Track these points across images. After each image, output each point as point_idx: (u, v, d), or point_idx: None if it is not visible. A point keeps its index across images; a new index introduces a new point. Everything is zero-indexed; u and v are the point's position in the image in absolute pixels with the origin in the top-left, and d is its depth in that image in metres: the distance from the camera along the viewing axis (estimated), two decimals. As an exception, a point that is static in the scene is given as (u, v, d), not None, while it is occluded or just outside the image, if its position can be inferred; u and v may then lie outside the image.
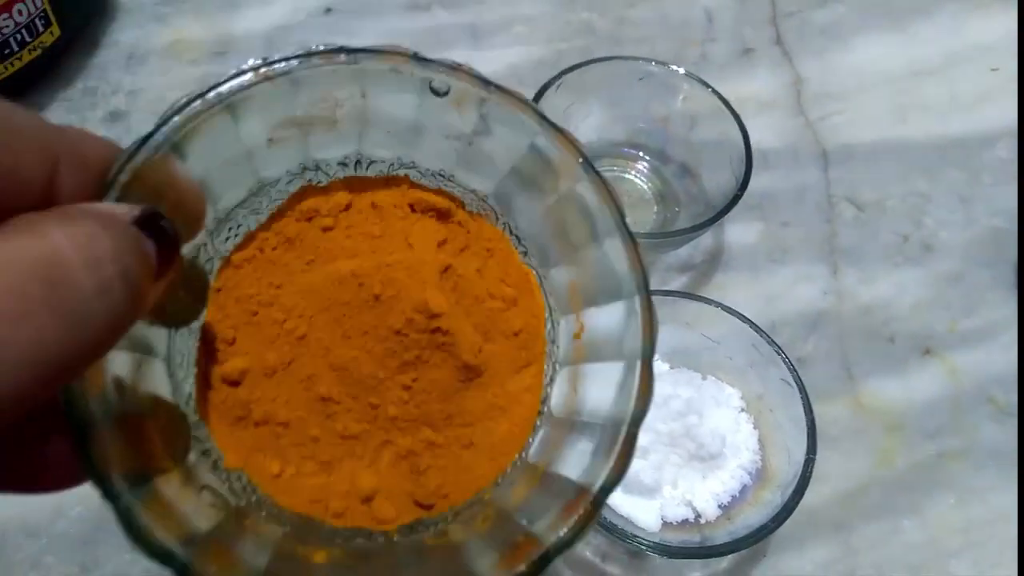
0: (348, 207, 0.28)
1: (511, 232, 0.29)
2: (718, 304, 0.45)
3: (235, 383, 0.26)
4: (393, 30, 0.66)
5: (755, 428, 0.45)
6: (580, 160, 0.26)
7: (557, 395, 0.28)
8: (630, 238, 0.26)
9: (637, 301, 0.25)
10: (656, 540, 0.40)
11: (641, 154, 0.57)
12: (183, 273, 0.24)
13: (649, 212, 0.56)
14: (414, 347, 0.26)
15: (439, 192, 0.29)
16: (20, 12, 0.54)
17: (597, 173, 0.26)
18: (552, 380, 0.28)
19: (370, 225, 0.28)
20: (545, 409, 0.28)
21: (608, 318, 0.26)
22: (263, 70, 0.24)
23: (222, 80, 0.23)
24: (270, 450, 0.26)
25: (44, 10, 0.55)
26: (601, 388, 0.26)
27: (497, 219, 0.29)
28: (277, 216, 0.28)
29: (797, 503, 0.40)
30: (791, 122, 0.62)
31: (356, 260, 0.27)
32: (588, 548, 0.45)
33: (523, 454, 0.27)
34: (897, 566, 0.45)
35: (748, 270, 0.55)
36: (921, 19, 0.69)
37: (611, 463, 0.24)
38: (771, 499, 0.41)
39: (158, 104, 0.60)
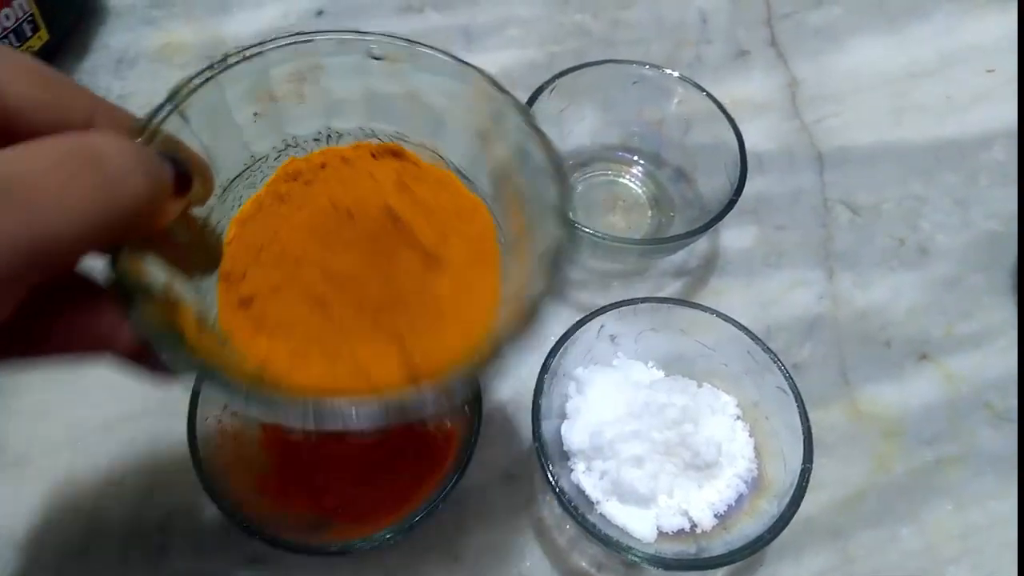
0: (324, 166, 0.34)
1: (462, 176, 0.35)
2: (713, 311, 0.45)
3: (248, 304, 0.31)
4: (385, 32, 0.65)
5: (751, 436, 0.45)
6: (489, 80, 0.33)
7: (510, 275, 0.33)
8: (535, 129, 0.32)
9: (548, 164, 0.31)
10: (651, 551, 0.39)
11: (635, 158, 0.57)
12: (201, 232, 0.31)
13: (644, 216, 0.55)
14: (385, 244, 0.32)
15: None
16: (7, 16, 0.53)
17: (505, 91, 0.33)
18: (505, 270, 0.33)
19: (342, 173, 0.34)
20: (503, 289, 0.33)
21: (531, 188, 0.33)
22: (242, 53, 0.31)
23: (211, 63, 0.30)
24: (283, 350, 0.30)
25: (32, 14, 0.55)
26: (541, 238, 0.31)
27: (447, 166, 0.35)
28: (270, 183, 0.34)
29: (794, 513, 0.39)
30: (786, 125, 0.62)
31: (333, 197, 0.34)
32: (584, 558, 0.44)
33: (489, 327, 0.32)
34: (895, 574, 0.45)
35: (743, 275, 0.54)
36: (916, 20, 0.69)
37: (548, 277, 0.29)
38: (767, 509, 0.41)
39: (149, 108, 0.59)
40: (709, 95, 0.52)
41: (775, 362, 0.43)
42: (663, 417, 0.43)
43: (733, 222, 0.55)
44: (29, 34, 0.55)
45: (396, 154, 0.35)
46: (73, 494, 0.45)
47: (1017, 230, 0.57)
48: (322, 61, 0.33)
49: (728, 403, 0.46)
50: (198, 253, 0.31)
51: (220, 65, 0.31)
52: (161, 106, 0.29)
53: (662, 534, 0.42)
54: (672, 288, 0.54)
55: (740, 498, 0.43)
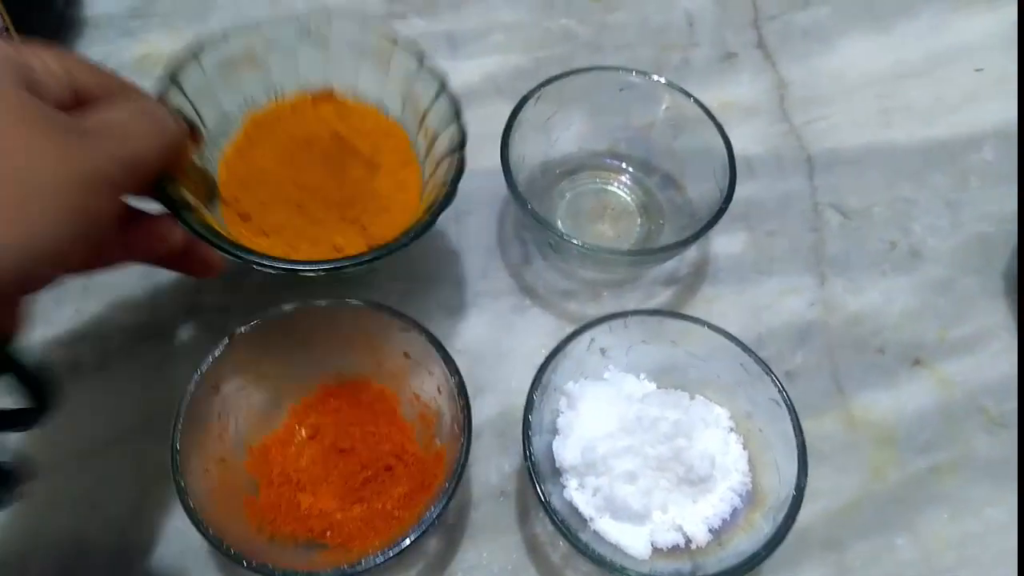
0: (279, 114, 0.48)
1: (379, 106, 0.49)
2: (704, 322, 0.44)
3: (247, 218, 0.45)
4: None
5: (744, 448, 0.44)
6: (385, 34, 0.47)
7: (427, 170, 0.47)
8: (422, 62, 0.47)
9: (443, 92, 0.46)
10: (646, 570, 0.39)
11: (624, 165, 0.56)
12: (203, 172, 0.44)
13: (633, 224, 0.55)
14: (337, 159, 0.46)
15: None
16: (-19, 31, 0.52)
17: (398, 41, 0.47)
18: (423, 167, 0.48)
19: (294, 117, 0.48)
20: (424, 180, 0.47)
21: (436, 116, 0.47)
22: (211, 38, 0.45)
23: (192, 48, 0.45)
24: (279, 244, 0.44)
25: (5, 28, 0.54)
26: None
27: (367, 101, 0.49)
28: (241, 133, 0.47)
29: (789, 529, 0.39)
30: (775, 128, 0.61)
31: (292, 133, 0.47)
32: (577, 576, 0.44)
33: (419, 206, 0.45)
34: (891, 584, 0.45)
35: (735, 282, 0.54)
36: (904, 20, 0.68)
37: (454, 164, 0.43)
38: (762, 523, 0.40)
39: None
40: (696, 100, 0.52)
41: (767, 373, 0.43)
42: (656, 431, 0.42)
43: (723, 228, 0.55)
44: (4, 48, 0.54)
45: (330, 97, 0.49)
46: (56, 519, 0.44)
47: (1017, 232, 0.56)
48: (269, 38, 0.46)
49: (721, 415, 0.45)
50: (204, 186, 0.43)
51: (198, 47, 0.44)
52: (163, 79, 0.43)
53: (656, 550, 0.42)
54: (663, 296, 0.53)
55: (735, 512, 0.43)
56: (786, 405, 0.42)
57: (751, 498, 0.43)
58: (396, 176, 0.47)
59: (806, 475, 0.40)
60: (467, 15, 0.66)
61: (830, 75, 0.65)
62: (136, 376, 0.48)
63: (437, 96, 0.46)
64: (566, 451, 0.43)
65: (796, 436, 0.41)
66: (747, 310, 0.53)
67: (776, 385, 0.42)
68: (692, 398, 0.46)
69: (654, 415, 0.43)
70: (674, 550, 0.42)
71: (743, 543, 0.40)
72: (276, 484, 0.43)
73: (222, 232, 0.41)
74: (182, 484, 0.38)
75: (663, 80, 0.53)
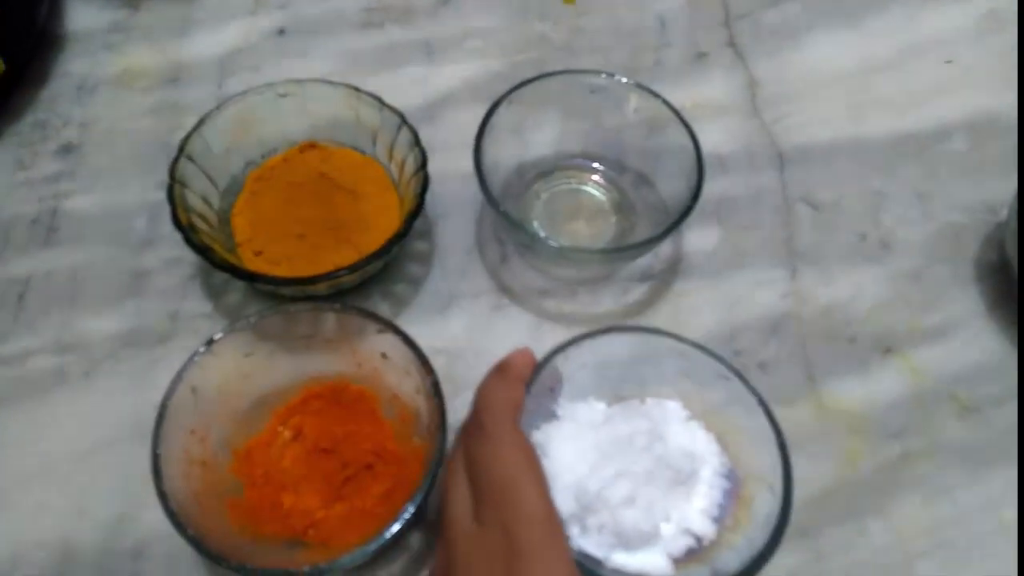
0: (273, 167, 0.56)
1: (354, 148, 0.57)
2: (660, 331, 0.45)
3: (260, 254, 0.52)
4: (346, 49, 0.65)
5: (707, 431, 0.44)
6: (350, 87, 0.54)
7: (400, 192, 0.55)
8: (383, 104, 0.53)
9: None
10: None
11: (596, 165, 0.57)
12: (222, 229, 0.53)
13: (607, 223, 0.55)
14: (326, 194, 0.55)
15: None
16: (-37, 50, 0.53)
17: (360, 89, 0.54)
18: (399, 192, 0.55)
19: (286, 167, 0.56)
20: (400, 201, 0.54)
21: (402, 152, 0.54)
22: (208, 112, 0.52)
23: (195, 124, 0.52)
24: (288, 270, 0.51)
25: (-12, 47, 0.55)
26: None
27: (344, 144, 0.57)
28: (245, 188, 0.55)
29: (791, 492, 0.39)
30: (747, 125, 0.62)
31: (286, 179, 0.55)
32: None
33: (398, 223, 0.52)
34: (866, 569, 0.45)
35: (708, 277, 0.55)
36: (874, 14, 0.69)
37: (419, 184, 0.51)
38: (756, 491, 0.41)
39: (110, 135, 0.59)
40: (664, 101, 0.52)
41: (697, 348, 0.43)
42: (634, 446, 0.42)
43: (696, 224, 0.56)
44: (-13, 66, 0.55)
45: (313, 146, 0.56)
46: (45, 524, 0.45)
47: (1019, 219, 0.57)
48: (252, 106, 0.54)
49: (675, 408, 0.45)
50: (223, 237, 0.53)
51: (198, 123, 0.52)
52: (178, 157, 0.50)
53: (675, 561, 0.41)
54: (637, 292, 0.54)
55: (727, 493, 0.42)
56: (740, 380, 0.43)
57: (734, 475, 0.43)
58: (377, 201, 0.54)
59: (779, 427, 0.41)
60: (443, 22, 0.67)
61: (801, 71, 0.66)
62: (122, 382, 0.49)
63: (399, 130, 0.53)
64: (558, 503, 0.39)
65: (755, 396, 0.42)
66: (720, 304, 0.54)
67: (719, 361, 0.43)
68: (643, 402, 0.46)
69: (627, 431, 0.43)
70: (690, 555, 0.41)
71: (750, 522, 0.40)
72: (259, 485, 0.44)
73: (241, 266, 0.50)
74: (163, 488, 0.39)
75: (632, 81, 0.54)
